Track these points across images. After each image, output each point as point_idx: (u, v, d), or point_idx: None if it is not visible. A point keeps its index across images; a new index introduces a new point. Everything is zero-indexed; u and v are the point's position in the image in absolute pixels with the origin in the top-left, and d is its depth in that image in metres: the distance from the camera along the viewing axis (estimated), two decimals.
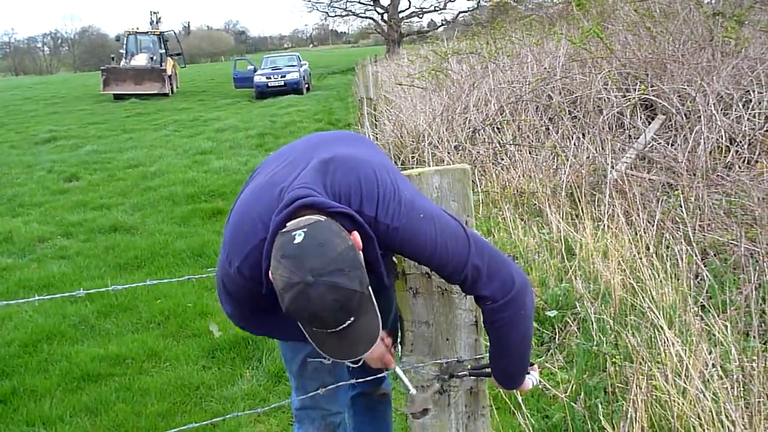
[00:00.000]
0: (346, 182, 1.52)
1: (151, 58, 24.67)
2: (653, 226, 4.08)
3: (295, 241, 1.37)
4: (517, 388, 1.81)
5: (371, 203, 1.51)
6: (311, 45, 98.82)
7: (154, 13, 27.84)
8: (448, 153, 6.40)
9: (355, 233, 1.46)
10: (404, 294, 1.78)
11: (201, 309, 4.31)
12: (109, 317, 4.32)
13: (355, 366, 1.76)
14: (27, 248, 5.99)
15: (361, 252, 1.45)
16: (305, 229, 1.38)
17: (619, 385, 2.73)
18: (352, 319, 1.38)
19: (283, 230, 1.41)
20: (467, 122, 7.04)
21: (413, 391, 1.72)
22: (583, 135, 5.98)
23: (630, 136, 6.00)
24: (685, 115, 5.71)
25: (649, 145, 5.62)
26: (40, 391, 3.40)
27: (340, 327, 1.38)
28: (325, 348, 1.44)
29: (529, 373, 1.80)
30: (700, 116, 5.41)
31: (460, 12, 43.09)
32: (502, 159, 6.10)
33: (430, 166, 6.45)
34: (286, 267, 1.36)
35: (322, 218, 1.42)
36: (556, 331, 3.47)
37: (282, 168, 1.63)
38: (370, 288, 1.43)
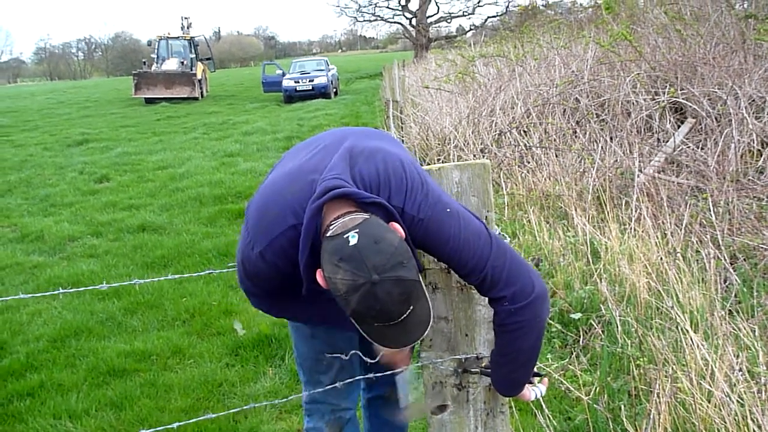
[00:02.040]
0: (374, 173, 1.52)
1: (182, 63, 24.98)
2: (681, 229, 4.02)
3: (351, 243, 1.36)
4: (514, 396, 1.76)
5: (399, 194, 1.51)
6: (340, 50, 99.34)
7: (185, 18, 28.25)
8: (474, 155, 6.38)
9: (394, 224, 1.46)
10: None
11: (225, 307, 4.35)
12: (136, 314, 4.38)
13: (372, 361, 1.76)
14: (57, 247, 6.11)
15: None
16: (357, 230, 1.37)
17: (643, 387, 2.69)
18: (411, 308, 1.39)
19: (331, 235, 1.40)
20: (493, 125, 7.02)
21: (405, 403, 1.70)
22: (611, 138, 5.92)
23: (659, 139, 5.93)
24: (716, 118, 5.62)
25: (678, 149, 5.54)
26: (67, 385, 3.46)
27: (402, 317, 1.38)
28: (385, 340, 1.44)
29: (534, 385, 1.75)
30: (731, 119, 5.32)
31: (488, 17, 43.05)
32: (528, 162, 6.07)
33: None
34: (348, 270, 1.35)
35: (367, 216, 1.42)
36: (581, 333, 3.43)
37: (312, 156, 1.62)
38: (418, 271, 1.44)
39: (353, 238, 1.36)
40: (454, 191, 1.72)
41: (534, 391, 1.75)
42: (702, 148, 5.48)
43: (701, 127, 5.78)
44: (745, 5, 7.74)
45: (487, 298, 1.62)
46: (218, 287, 4.69)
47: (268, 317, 4.16)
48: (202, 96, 24.68)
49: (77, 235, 6.42)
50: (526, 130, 6.69)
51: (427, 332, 1.46)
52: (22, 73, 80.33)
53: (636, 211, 4.40)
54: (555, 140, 6.34)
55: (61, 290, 1.93)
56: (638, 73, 6.56)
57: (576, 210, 4.73)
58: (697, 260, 3.60)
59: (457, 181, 1.71)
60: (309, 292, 1.56)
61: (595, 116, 6.40)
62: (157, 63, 25.44)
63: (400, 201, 1.51)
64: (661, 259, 3.59)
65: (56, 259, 5.75)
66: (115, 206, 7.59)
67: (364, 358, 1.79)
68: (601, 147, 5.74)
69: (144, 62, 26.65)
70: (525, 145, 6.34)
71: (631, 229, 4.18)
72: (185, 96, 23.31)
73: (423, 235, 1.53)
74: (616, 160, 5.49)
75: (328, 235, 1.41)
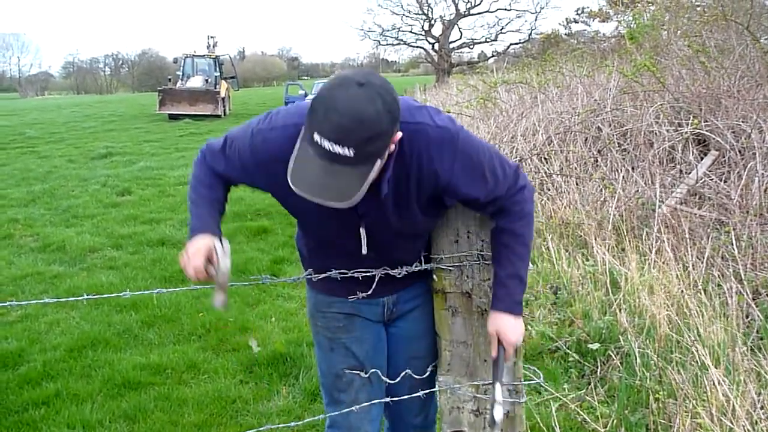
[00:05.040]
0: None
1: (206, 81, 25.33)
2: (702, 262, 3.98)
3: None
4: (518, 316, 1.71)
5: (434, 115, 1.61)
6: None
7: (211, 37, 28.70)
8: None
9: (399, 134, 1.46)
10: (443, 313, 1.78)
11: (242, 324, 4.36)
12: (153, 327, 4.41)
13: (392, 382, 1.76)
14: (78, 258, 6.17)
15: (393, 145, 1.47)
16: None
17: (662, 421, 2.65)
18: (352, 153, 1.33)
19: None
20: (514, 151, 7.02)
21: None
22: (633, 168, 5.89)
23: (681, 171, 5.89)
24: (740, 151, 5.58)
25: (700, 181, 5.50)
26: (82, 395, 3.47)
27: (338, 150, 1.33)
28: (303, 169, 1.39)
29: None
30: (755, 153, 5.28)
31: (510, 44, 43.26)
32: (549, 189, 6.05)
33: None
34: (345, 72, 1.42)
35: None
36: (598, 364, 3.39)
37: None
38: (379, 158, 1.41)
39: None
40: (478, 216, 1.72)
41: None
42: (725, 181, 5.43)
43: (725, 160, 5.73)
44: None
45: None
46: (234, 303, 4.70)
47: (284, 335, 4.17)
48: (224, 114, 24.96)
49: (98, 247, 6.49)
50: (547, 157, 6.69)
51: (337, 203, 1.40)
52: (50, 87, 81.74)
53: (657, 243, 4.36)
54: (576, 168, 6.32)
55: (85, 296, 1.95)
56: (661, 104, 6.54)
57: (596, 239, 4.71)
58: (719, 294, 3.55)
59: None
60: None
61: (617, 145, 6.38)
62: (182, 80, 25.83)
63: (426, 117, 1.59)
64: (682, 291, 3.55)
65: (76, 270, 5.81)
66: (135, 219, 7.67)
67: (383, 377, 1.79)
68: (623, 177, 5.72)
69: (169, 79, 27.04)
70: (545, 173, 6.32)
71: (651, 260, 4.14)
72: (208, 113, 23.58)
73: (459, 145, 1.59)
74: (638, 191, 5.46)
75: None
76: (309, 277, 1.79)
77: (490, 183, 1.62)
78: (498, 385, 1.68)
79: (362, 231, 1.68)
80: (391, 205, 1.62)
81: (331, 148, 1.33)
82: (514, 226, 1.68)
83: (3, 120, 25.27)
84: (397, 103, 1.41)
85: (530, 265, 1.73)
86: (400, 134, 1.46)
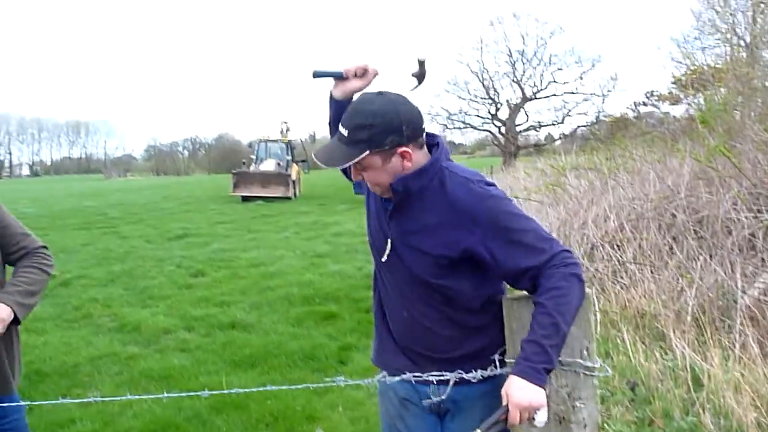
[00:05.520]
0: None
1: (278, 164, 26.19)
2: None
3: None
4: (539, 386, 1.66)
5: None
6: None
7: (285, 123, 29.84)
8: None
9: (409, 150, 1.81)
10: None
11: (309, 413, 4.34)
12: (221, 413, 4.43)
13: None
14: (152, 339, 6.33)
15: (407, 162, 1.82)
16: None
17: None
18: (346, 133, 1.79)
19: None
20: (585, 238, 6.91)
21: None
22: (710, 256, 5.69)
23: (763, 259, 5.64)
24: None
25: None
26: None
27: (341, 130, 1.80)
28: (321, 149, 1.88)
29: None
30: None
31: (578, 126, 43.27)
32: (622, 277, 5.90)
33: None
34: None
35: None
36: None
37: None
38: (368, 150, 1.77)
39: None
40: None
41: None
42: None
43: None
44: None
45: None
46: (303, 392, 4.68)
47: (351, 426, 4.12)
48: (295, 196, 25.63)
49: (171, 329, 6.65)
50: (619, 244, 6.55)
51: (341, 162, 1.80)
52: (132, 169, 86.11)
53: (740, 337, 4.16)
54: (650, 256, 6.15)
55: (166, 394, 2.00)
56: (739, 190, 6.36)
57: (674, 331, 4.52)
58: None
59: None
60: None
61: (692, 233, 6.20)
62: (255, 163, 26.81)
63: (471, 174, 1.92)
64: None
65: (150, 351, 5.95)
66: (208, 301, 7.85)
67: None
68: (700, 265, 5.52)
69: (243, 162, 28.12)
70: (618, 260, 6.18)
71: (736, 355, 3.94)
72: (280, 195, 24.26)
73: (491, 208, 1.81)
74: (717, 280, 5.25)
75: None
76: (383, 380, 1.80)
77: (522, 250, 1.75)
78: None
79: (389, 241, 1.93)
80: (415, 228, 1.87)
81: (339, 129, 1.82)
82: (540, 299, 1.71)
83: (89, 201, 26.70)
84: (399, 116, 1.77)
85: (559, 336, 1.67)
86: (405, 148, 1.80)
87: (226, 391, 1.94)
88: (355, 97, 1.92)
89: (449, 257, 1.81)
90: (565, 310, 1.67)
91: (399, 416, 1.95)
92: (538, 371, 1.64)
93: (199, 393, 1.76)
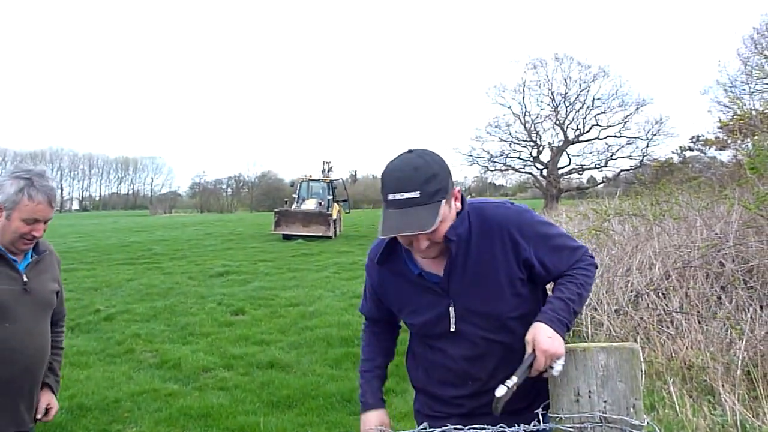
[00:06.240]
0: None
1: (320, 203, 26.45)
2: None
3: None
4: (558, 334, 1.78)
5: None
6: (470, 196, 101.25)
7: (327, 163, 30.27)
8: (608, 316, 6.13)
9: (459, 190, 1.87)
10: None
11: None
12: None
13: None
14: (192, 376, 6.37)
15: (457, 203, 1.88)
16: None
17: None
18: (417, 194, 1.71)
19: None
20: (629, 285, 6.77)
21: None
22: (761, 307, 5.51)
23: None
24: None
25: None
26: None
27: (406, 196, 1.71)
28: (386, 220, 1.74)
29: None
30: None
31: (621, 170, 42.72)
32: (668, 327, 5.74)
33: (588, 328, 6.20)
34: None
35: None
36: None
37: None
38: (443, 199, 1.76)
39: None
40: (600, 374, 1.67)
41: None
42: None
43: None
44: None
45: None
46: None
47: None
48: (335, 235, 25.77)
49: (211, 366, 6.69)
50: (665, 293, 6.39)
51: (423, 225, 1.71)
52: (177, 205, 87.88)
53: None
54: (697, 306, 5.99)
55: None
56: None
57: (723, 385, 4.36)
58: None
59: (603, 364, 1.67)
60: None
61: (742, 283, 6.03)
62: (297, 202, 27.13)
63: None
64: None
65: (189, 389, 5.99)
66: (247, 340, 7.89)
67: None
68: (750, 316, 5.35)
69: (285, 201, 28.48)
70: (664, 309, 6.03)
71: None
72: (320, 234, 24.42)
73: (527, 221, 1.97)
74: None
75: None
76: (424, 431, 1.77)
77: (565, 252, 1.95)
78: (514, 378, 1.71)
79: (451, 310, 1.93)
80: (474, 275, 1.89)
81: (400, 197, 1.73)
82: (570, 272, 1.94)
83: (134, 236, 27.30)
84: (442, 159, 1.80)
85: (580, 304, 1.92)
86: (457, 189, 1.86)
87: None
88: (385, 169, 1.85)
89: (521, 278, 1.92)
90: (588, 288, 1.93)
91: None
92: (562, 323, 1.80)
93: None
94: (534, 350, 1.73)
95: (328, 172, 30.07)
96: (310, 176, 28.99)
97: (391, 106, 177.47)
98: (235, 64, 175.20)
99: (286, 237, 24.34)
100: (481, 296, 1.91)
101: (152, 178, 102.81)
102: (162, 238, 26.31)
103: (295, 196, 27.96)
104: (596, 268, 2.02)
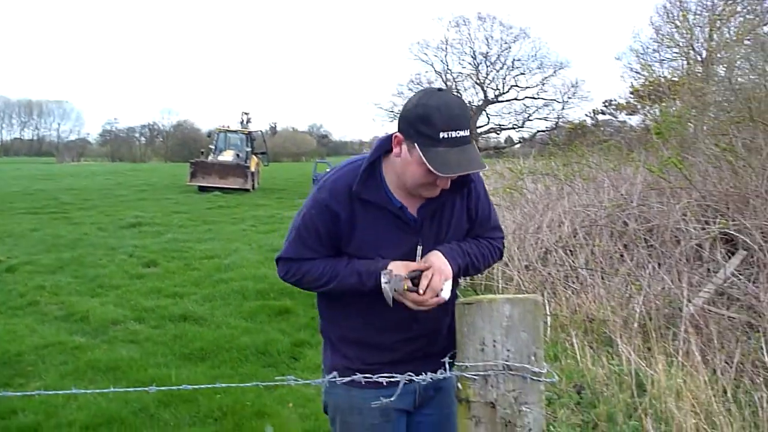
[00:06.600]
0: None
1: (237, 155, 25.88)
2: (731, 368, 3.88)
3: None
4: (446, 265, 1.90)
5: None
6: None
7: (245, 114, 29.54)
8: (518, 271, 6.35)
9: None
10: (467, 422, 1.75)
11: (258, 408, 4.31)
12: (169, 407, 4.36)
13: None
14: (100, 329, 6.19)
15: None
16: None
17: None
18: (468, 132, 1.76)
19: None
20: (539, 242, 7.02)
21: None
22: (659, 265, 5.85)
23: (709, 269, 5.82)
24: None
25: (728, 281, 5.43)
26: None
27: (461, 134, 1.73)
28: (445, 159, 1.72)
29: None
30: None
31: (537, 131, 43.88)
32: (573, 282, 6.01)
33: (499, 282, 6.41)
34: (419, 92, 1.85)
35: None
36: None
37: None
38: None
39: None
40: (504, 324, 1.72)
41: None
42: (754, 282, 5.36)
43: (753, 260, 5.67)
44: None
45: None
46: (253, 387, 4.66)
47: (301, 423, 4.10)
48: (253, 188, 25.36)
49: (120, 319, 6.52)
50: (572, 250, 6.67)
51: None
52: (86, 153, 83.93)
53: (684, 344, 4.28)
54: (601, 262, 6.29)
55: (112, 389, 1.96)
56: (688, 201, 6.54)
57: (621, 337, 4.63)
58: (749, 404, 3.45)
59: (507, 314, 1.72)
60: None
61: (643, 241, 6.36)
62: (214, 153, 26.43)
63: None
64: (711, 399, 3.45)
65: (98, 342, 5.82)
66: (159, 292, 7.72)
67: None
68: (649, 273, 5.66)
69: (202, 152, 27.69)
70: (570, 265, 6.30)
71: (679, 362, 4.05)
72: (237, 187, 23.98)
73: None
74: (664, 288, 5.40)
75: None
76: (334, 380, 1.79)
77: (489, 221, 2.11)
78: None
79: (419, 249, 1.94)
80: (440, 218, 1.97)
81: (456, 135, 1.73)
82: (483, 242, 2.08)
83: (39, 184, 25.98)
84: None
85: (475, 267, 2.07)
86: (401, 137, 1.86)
87: (174, 387, 1.89)
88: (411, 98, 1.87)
89: (468, 228, 2.09)
90: (485, 263, 2.07)
91: (380, 427, 2.01)
92: (455, 259, 1.92)
93: (146, 389, 1.71)
94: (425, 266, 1.87)
95: (247, 123, 29.37)
96: (228, 127, 28.23)
97: (313, 59, 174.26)
98: (151, 3, 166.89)
99: (202, 189, 23.75)
100: (444, 240, 1.98)
101: (59, 124, 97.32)
102: (70, 186, 25.16)
103: (212, 147, 27.23)
104: (501, 257, 2.17)
